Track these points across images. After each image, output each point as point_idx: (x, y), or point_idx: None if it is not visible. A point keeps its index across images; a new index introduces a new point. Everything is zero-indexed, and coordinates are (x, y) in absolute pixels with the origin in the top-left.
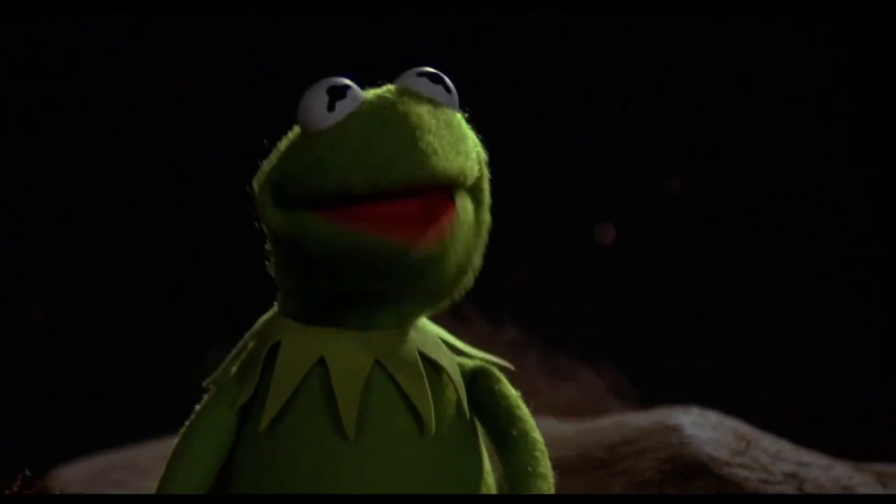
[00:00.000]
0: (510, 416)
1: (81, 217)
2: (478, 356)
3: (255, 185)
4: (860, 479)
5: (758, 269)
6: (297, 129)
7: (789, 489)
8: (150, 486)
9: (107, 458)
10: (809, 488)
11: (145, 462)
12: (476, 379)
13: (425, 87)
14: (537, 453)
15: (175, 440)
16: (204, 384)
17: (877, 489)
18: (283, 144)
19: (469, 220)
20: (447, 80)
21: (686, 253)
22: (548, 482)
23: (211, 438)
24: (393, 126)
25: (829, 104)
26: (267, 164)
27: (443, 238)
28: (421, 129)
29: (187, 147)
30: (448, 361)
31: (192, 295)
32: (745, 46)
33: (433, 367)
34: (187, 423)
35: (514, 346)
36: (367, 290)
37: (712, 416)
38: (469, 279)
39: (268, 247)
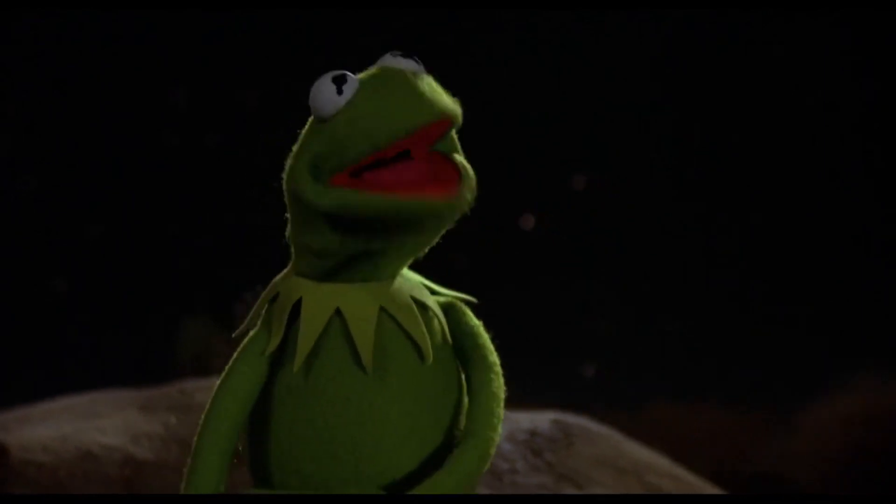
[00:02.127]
0: (473, 342)
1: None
2: (447, 293)
3: (292, 171)
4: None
5: (658, 260)
6: (311, 120)
7: None
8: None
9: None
10: None
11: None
12: (447, 312)
13: (401, 62)
14: (492, 374)
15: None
16: (233, 335)
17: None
18: (303, 139)
19: (472, 176)
20: (416, 56)
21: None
22: (496, 399)
23: (245, 380)
24: (394, 90)
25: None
26: (294, 156)
27: (462, 189)
28: (415, 87)
29: (180, 148)
30: (431, 301)
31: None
32: (646, 51)
33: (421, 307)
34: (226, 368)
35: None
36: (399, 244)
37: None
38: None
39: (290, 221)
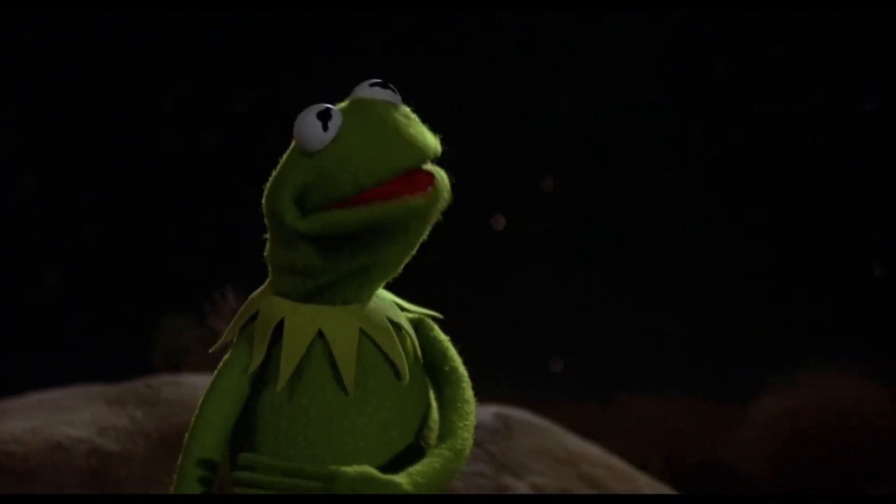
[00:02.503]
0: (444, 356)
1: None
2: (416, 310)
3: (274, 198)
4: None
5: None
6: (293, 147)
7: None
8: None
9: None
10: None
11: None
12: (416, 328)
13: (378, 93)
14: (463, 384)
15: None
16: (210, 350)
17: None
18: (286, 167)
19: (444, 177)
20: (391, 84)
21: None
22: (470, 406)
23: (228, 397)
24: (378, 130)
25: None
26: (277, 184)
27: (436, 188)
28: (398, 127)
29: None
30: (404, 321)
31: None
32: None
33: (396, 327)
34: (208, 385)
35: None
36: (384, 255)
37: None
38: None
39: (271, 242)
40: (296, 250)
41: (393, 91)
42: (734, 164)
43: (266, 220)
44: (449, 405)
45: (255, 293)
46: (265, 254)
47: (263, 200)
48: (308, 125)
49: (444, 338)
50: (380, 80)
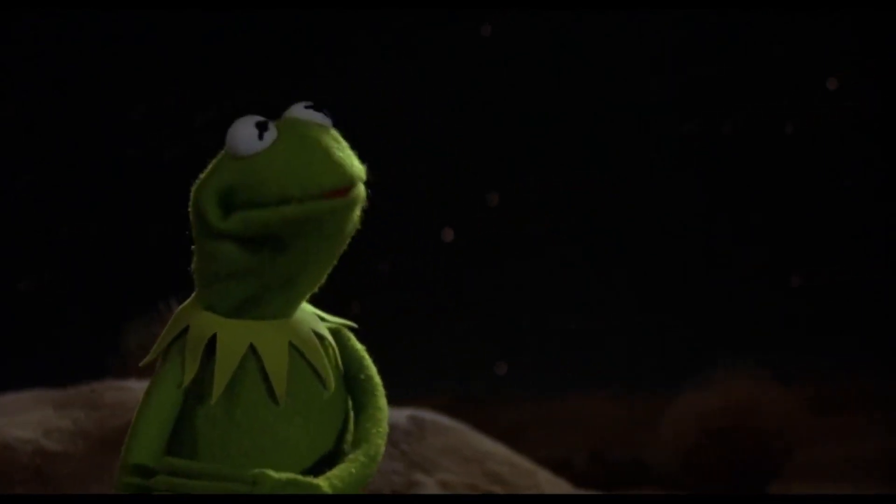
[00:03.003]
0: (360, 364)
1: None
2: (333, 320)
3: (198, 198)
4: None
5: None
6: (222, 155)
7: None
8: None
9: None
10: None
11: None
12: (335, 337)
13: (310, 115)
14: (377, 392)
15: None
16: (140, 365)
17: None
18: (212, 171)
19: (363, 190)
20: (324, 108)
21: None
22: (384, 413)
23: (163, 411)
24: (311, 147)
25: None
26: (202, 187)
27: (355, 193)
28: (329, 148)
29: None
30: (326, 332)
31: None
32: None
33: (319, 338)
34: (142, 399)
35: None
36: (313, 251)
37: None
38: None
39: (196, 253)
40: (219, 254)
41: (325, 114)
42: (642, 168)
43: (192, 227)
44: (364, 412)
45: (181, 307)
46: (192, 266)
47: (189, 206)
48: (243, 130)
49: (360, 347)
50: (313, 103)
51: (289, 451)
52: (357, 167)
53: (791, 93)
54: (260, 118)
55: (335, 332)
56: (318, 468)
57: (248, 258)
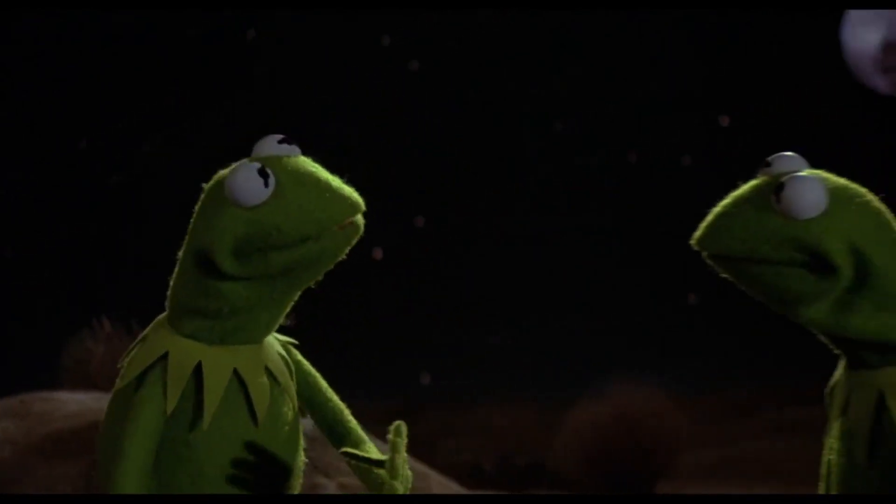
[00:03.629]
0: (307, 374)
1: None
2: (280, 338)
3: (208, 250)
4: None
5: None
6: (220, 203)
7: None
8: None
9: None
10: None
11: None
12: (286, 352)
13: (285, 149)
14: (333, 395)
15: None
16: (114, 389)
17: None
18: (216, 218)
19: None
20: (294, 141)
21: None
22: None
23: (147, 435)
24: (314, 187)
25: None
26: (210, 234)
27: (356, 220)
28: (329, 183)
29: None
30: (283, 350)
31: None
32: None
33: (284, 360)
34: (126, 426)
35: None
36: (314, 277)
37: None
38: None
39: (191, 291)
40: (230, 293)
41: (295, 146)
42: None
43: (183, 266)
44: (341, 416)
45: (149, 331)
46: (169, 295)
47: (183, 249)
48: (248, 180)
49: (304, 360)
50: (285, 136)
51: (271, 468)
52: (355, 195)
53: (684, 128)
54: (258, 164)
55: (286, 349)
56: (290, 480)
57: (256, 294)
